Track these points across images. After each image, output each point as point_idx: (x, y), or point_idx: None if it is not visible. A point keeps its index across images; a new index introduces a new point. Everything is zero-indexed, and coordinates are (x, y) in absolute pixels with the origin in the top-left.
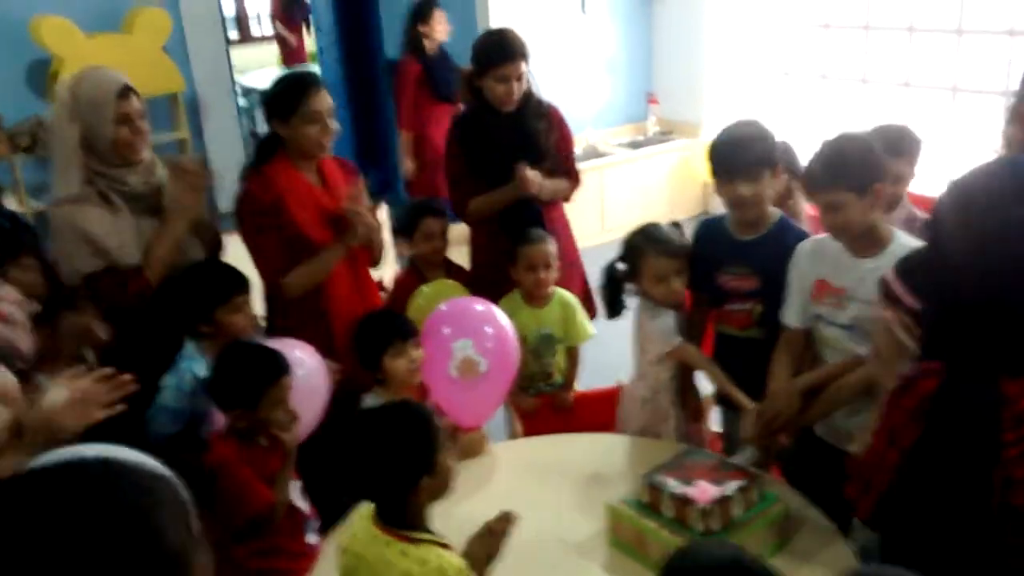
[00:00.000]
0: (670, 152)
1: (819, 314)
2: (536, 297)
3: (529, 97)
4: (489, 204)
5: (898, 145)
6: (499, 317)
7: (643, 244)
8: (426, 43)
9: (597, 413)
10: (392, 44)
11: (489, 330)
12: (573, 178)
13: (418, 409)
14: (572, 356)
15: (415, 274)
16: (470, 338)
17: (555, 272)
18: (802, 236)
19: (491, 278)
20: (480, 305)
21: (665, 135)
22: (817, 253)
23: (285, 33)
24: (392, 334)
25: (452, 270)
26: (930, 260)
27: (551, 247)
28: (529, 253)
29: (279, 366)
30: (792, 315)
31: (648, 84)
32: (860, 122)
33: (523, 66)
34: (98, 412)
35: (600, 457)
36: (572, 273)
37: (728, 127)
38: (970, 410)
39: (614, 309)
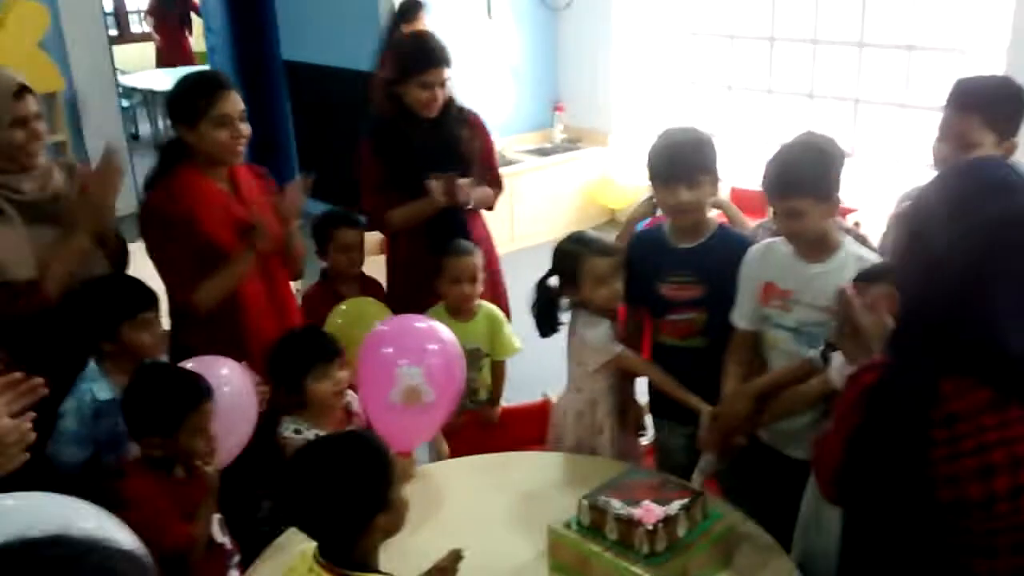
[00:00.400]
0: (578, 160)
1: (766, 316)
2: (462, 311)
3: (450, 104)
4: (411, 215)
5: None
6: (450, 344)
7: (578, 248)
8: None
9: (524, 429)
10: (288, 45)
11: (439, 361)
12: (497, 185)
13: (372, 441)
14: (498, 371)
15: (328, 288)
16: (419, 367)
17: (481, 285)
18: (745, 242)
19: (412, 292)
20: (431, 329)
21: (572, 143)
22: (767, 256)
23: (152, 32)
24: (316, 354)
25: (366, 284)
26: (908, 256)
27: (477, 259)
28: (456, 265)
29: (200, 390)
30: (742, 317)
31: (554, 92)
32: (765, 132)
33: (446, 72)
34: (20, 457)
35: (535, 476)
36: (494, 284)
37: (666, 132)
38: (903, 405)
39: (549, 327)
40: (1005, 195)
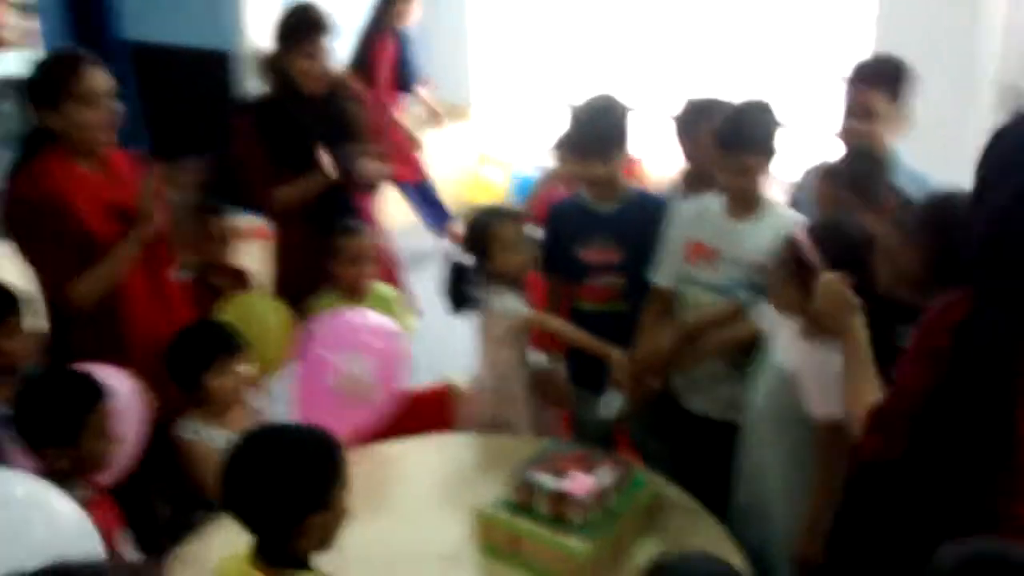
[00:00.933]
0: (440, 137)
1: (690, 276)
2: (355, 292)
3: (336, 77)
4: (298, 194)
5: None
6: (403, 348)
7: (487, 218)
8: (396, 22)
9: (426, 413)
10: (133, 25)
11: (393, 361)
12: (388, 162)
13: (325, 437)
14: None
15: (202, 284)
16: (377, 362)
17: (375, 264)
18: (664, 204)
19: (301, 275)
20: (389, 339)
21: (437, 118)
22: (697, 214)
23: None
24: (216, 349)
25: (236, 274)
26: (980, 191)
27: (372, 238)
28: (352, 246)
29: (95, 390)
30: (663, 275)
31: None
32: (640, 101)
33: (331, 41)
34: None
35: (453, 459)
36: (385, 265)
37: (584, 104)
38: (993, 337)
39: (462, 302)
40: None
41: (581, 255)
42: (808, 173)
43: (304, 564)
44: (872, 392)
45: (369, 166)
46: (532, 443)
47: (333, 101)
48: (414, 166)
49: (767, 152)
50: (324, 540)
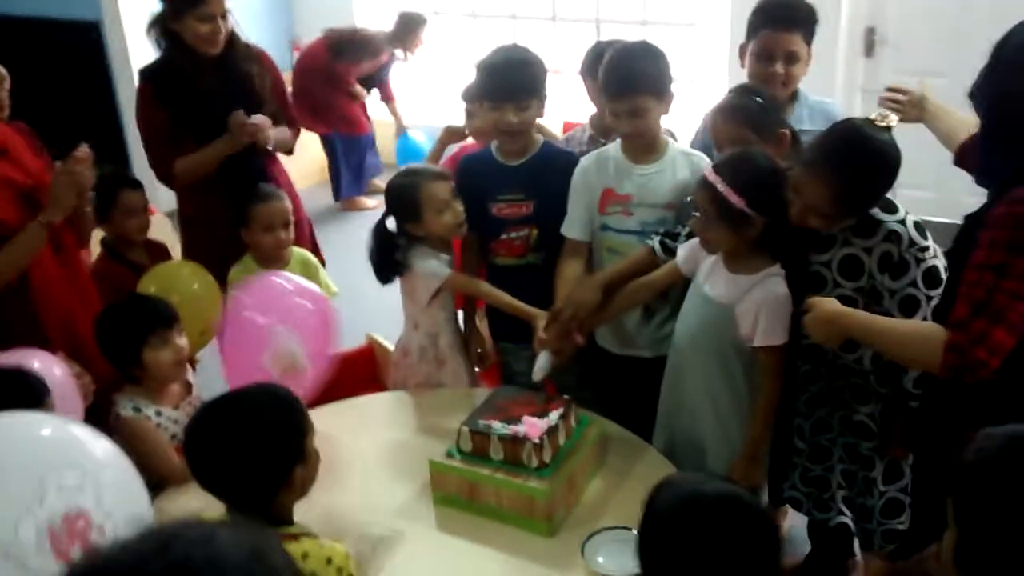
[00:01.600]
0: None
1: (606, 224)
2: (275, 259)
3: (234, 39)
4: (202, 161)
5: None
6: (331, 319)
7: (413, 179)
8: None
9: (353, 375)
10: None
11: (321, 334)
12: (293, 125)
13: (283, 392)
14: None
15: (114, 259)
16: (304, 340)
17: (292, 231)
18: (571, 156)
19: (212, 246)
20: (318, 303)
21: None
22: (601, 163)
23: None
24: (152, 322)
25: (152, 248)
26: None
27: (287, 203)
28: (266, 212)
29: (36, 388)
30: (575, 228)
31: (292, 31)
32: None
33: (225, 1)
34: None
35: (393, 416)
36: (301, 229)
37: (494, 52)
38: None
39: (390, 271)
40: None
41: (494, 210)
42: (708, 116)
43: (285, 520)
44: (899, 324)
45: (274, 131)
46: (469, 396)
47: (232, 63)
48: (355, 122)
49: (657, 92)
50: (304, 488)
